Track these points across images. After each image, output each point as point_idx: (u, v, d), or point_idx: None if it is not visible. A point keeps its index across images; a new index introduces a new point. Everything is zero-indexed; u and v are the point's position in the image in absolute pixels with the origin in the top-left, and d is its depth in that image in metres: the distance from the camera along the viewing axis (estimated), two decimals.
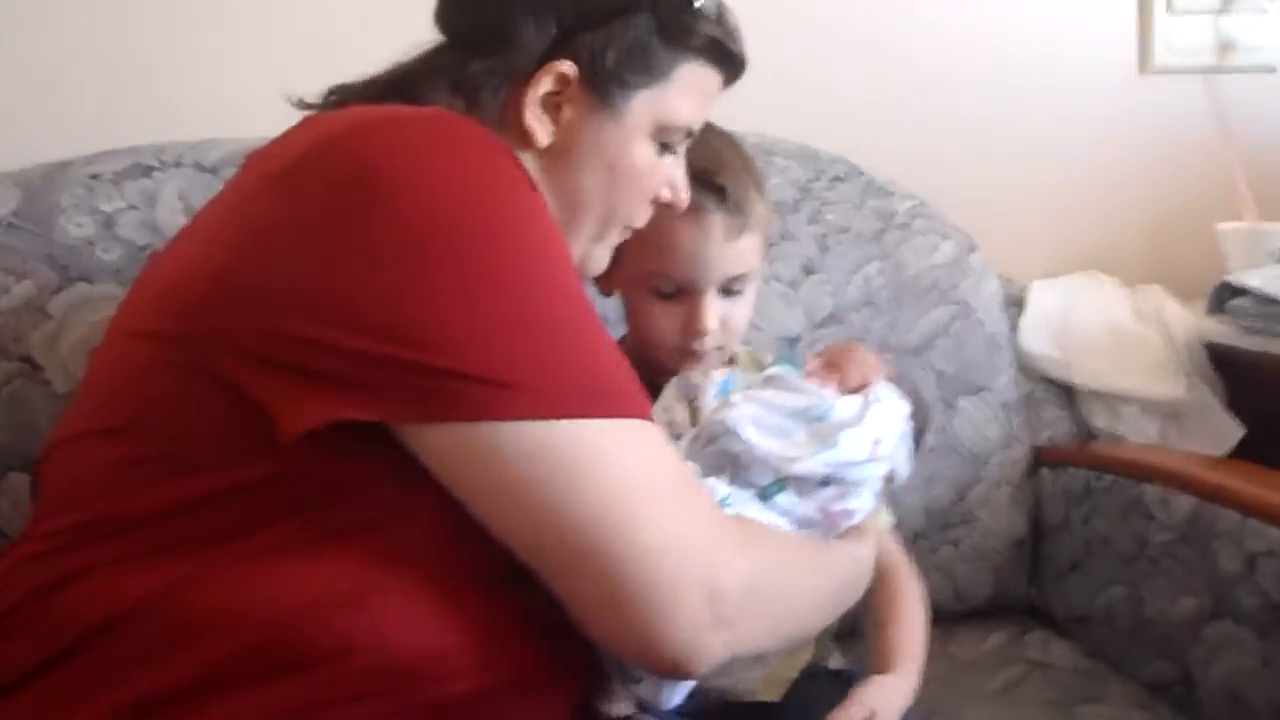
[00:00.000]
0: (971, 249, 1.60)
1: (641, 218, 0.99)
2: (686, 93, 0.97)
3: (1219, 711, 1.27)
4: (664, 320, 1.12)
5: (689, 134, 1.01)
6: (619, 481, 0.77)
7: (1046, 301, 1.65)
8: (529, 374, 0.76)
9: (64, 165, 1.33)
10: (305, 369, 0.75)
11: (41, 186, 1.30)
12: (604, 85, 0.93)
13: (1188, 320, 1.64)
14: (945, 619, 1.52)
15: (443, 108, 0.89)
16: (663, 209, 1.05)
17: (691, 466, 1.02)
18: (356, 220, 0.76)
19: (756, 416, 1.03)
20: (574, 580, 0.79)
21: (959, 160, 1.76)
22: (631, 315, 1.16)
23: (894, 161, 1.64)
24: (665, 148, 0.98)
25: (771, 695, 1.11)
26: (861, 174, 1.59)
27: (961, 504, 1.53)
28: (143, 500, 0.78)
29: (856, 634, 1.35)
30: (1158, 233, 1.86)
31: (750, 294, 1.16)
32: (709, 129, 1.13)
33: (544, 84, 0.92)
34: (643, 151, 0.96)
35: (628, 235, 1.01)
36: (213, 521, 0.77)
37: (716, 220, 1.09)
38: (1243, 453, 1.56)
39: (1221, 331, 1.60)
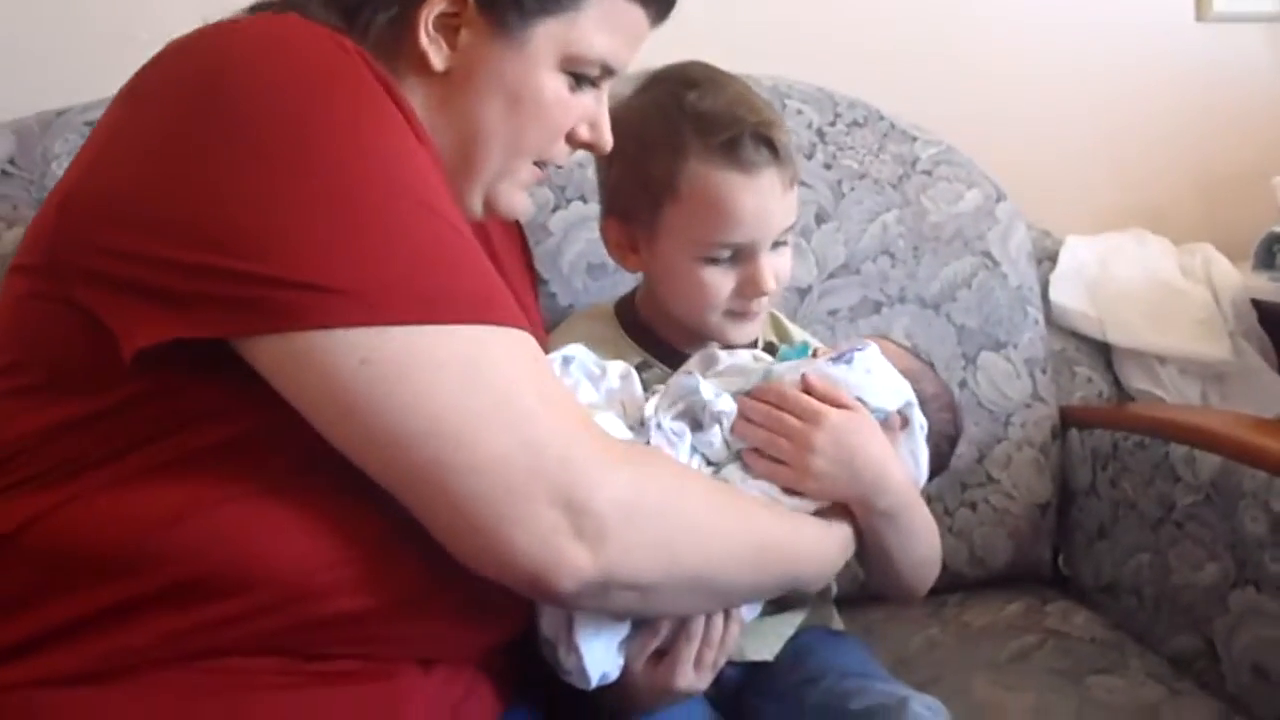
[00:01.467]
0: (999, 198, 1.51)
1: (558, 155, 0.95)
2: (601, 27, 0.92)
3: (1242, 685, 1.19)
4: (718, 285, 1.09)
5: (608, 71, 0.96)
6: (458, 390, 0.74)
7: (1083, 255, 1.56)
8: (361, 279, 0.73)
9: (61, 113, 1.33)
10: (140, 286, 0.73)
11: (38, 133, 1.30)
12: (501, 10, 0.88)
13: (1235, 277, 1.54)
14: (962, 585, 1.46)
15: (298, 17, 0.83)
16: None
17: (664, 430, 0.99)
18: (189, 127, 0.74)
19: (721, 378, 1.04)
20: (417, 495, 0.75)
21: (998, 110, 1.70)
22: (672, 285, 1.12)
23: (929, 111, 1.56)
24: (580, 82, 0.94)
25: (764, 654, 1.08)
26: (882, 118, 1.51)
27: (980, 465, 1.45)
28: (25, 426, 0.77)
29: (860, 600, 1.30)
30: (1211, 189, 1.76)
31: (791, 243, 1.15)
32: (718, 74, 1.12)
33: (438, 5, 0.88)
34: (550, 84, 0.92)
35: (544, 175, 0.97)
36: (85, 446, 0.76)
37: (774, 176, 1.07)
38: None
39: (1270, 288, 1.50)
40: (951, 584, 1.44)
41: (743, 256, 1.08)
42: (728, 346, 1.13)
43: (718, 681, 0.98)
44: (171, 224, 0.73)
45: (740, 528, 0.90)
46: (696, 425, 1.00)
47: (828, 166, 1.47)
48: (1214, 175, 1.76)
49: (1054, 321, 1.54)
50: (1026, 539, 1.47)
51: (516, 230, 1.24)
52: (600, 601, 0.82)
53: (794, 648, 1.09)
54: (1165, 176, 1.76)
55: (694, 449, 0.99)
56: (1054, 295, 1.53)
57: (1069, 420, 1.49)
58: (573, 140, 0.96)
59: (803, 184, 1.45)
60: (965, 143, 1.55)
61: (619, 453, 0.82)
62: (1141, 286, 1.53)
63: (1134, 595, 1.35)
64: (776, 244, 1.10)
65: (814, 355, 1.08)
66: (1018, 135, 1.68)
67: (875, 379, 1.04)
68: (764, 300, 1.11)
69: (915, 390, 1.07)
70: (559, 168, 0.99)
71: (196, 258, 0.72)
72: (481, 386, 0.75)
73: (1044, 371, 1.49)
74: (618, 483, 0.78)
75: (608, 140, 0.97)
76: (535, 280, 1.22)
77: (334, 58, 0.78)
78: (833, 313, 1.44)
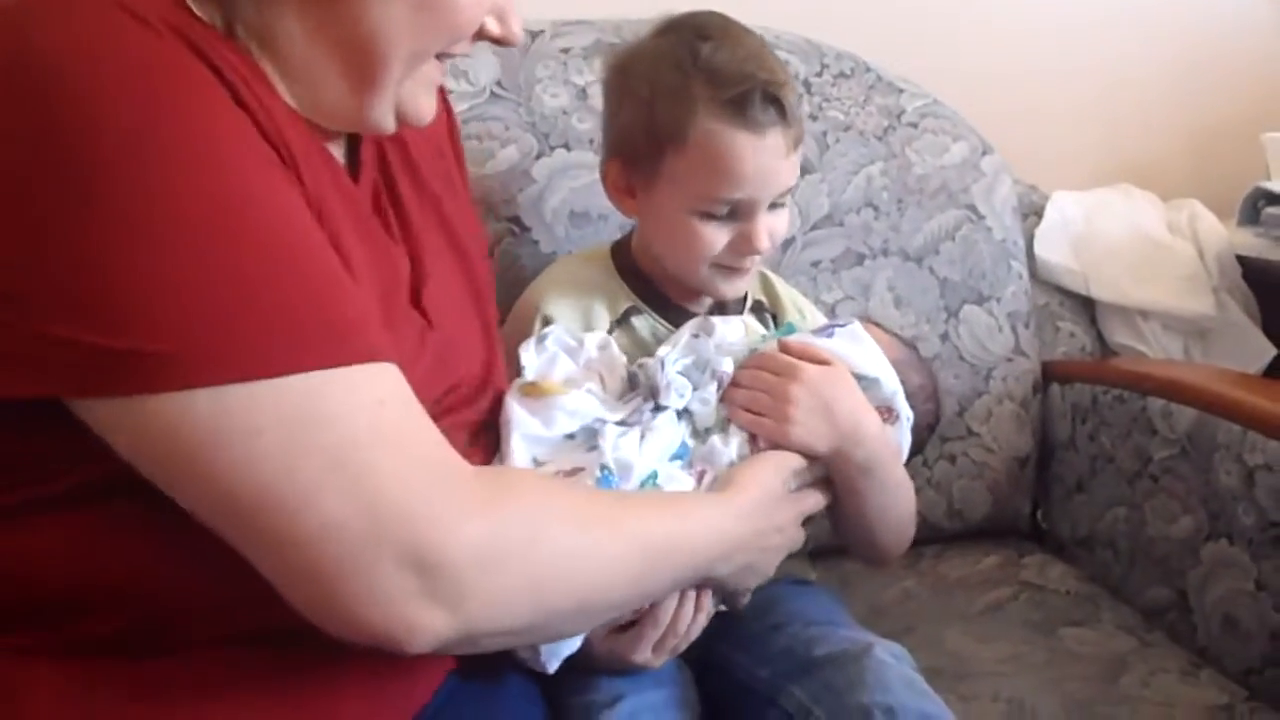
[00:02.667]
0: (985, 151, 1.51)
1: (462, 48, 0.86)
2: None
3: (1213, 636, 1.20)
4: (712, 240, 1.09)
5: None
6: (281, 456, 0.67)
7: (1069, 210, 1.55)
8: (176, 336, 0.66)
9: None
10: None
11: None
12: None
13: (1221, 233, 1.53)
14: (940, 538, 1.47)
15: None
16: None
17: (669, 381, 1.00)
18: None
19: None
20: (255, 558, 0.69)
21: (987, 63, 1.68)
22: (666, 235, 1.12)
23: (916, 64, 1.55)
24: None
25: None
26: (869, 70, 1.50)
27: (960, 419, 1.45)
28: None
29: (836, 552, 1.31)
30: (1200, 145, 1.75)
31: (789, 202, 1.14)
32: (736, 27, 1.11)
33: None
34: None
35: (443, 69, 0.88)
36: None
37: (779, 136, 1.07)
38: (1277, 373, 1.46)
39: (1254, 244, 1.49)
40: (929, 536, 1.45)
41: (740, 214, 1.08)
42: (718, 302, 1.15)
43: None
44: None
45: (619, 542, 0.82)
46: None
47: (813, 118, 1.46)
48: (1203, 131, 1.74)
49: (1038, 276, 1.54)
50: (1005, 492, 1.47)
51: (446, 132, 1.10)
52: (469, 650, 0.76)
53: (762, 597, 1.07)
54: (1154, 132, 1.75)
55: (684, 412, 1.01)
56: (1038, 250, 1.52)
57: (1051, 375, 1.49)
58: (481, 35, 0.86)
59: None
60: (953, 96, 1.54)
61: (474, 494, 0.74)
62: (1126, 242, 1.53)
63: (1110, 548, 1.36)
64: (774, 204, 1.09)
65: None
66: (1007, 89, 1.66)
67: (856, 350, 1.05)
68: (756, 258, 1.11)
69: (902, 381, 1.08)
70: (466, 55, 0.89)
71: (9, 316, 0.66)
72: (309, 449, 0.68)
73: (1026, 326, 1.49)
74: (473, 531, 0.71)
75: (518, 33, 0.88)
76: (467, 184, 1.12)
77: (140, 57, 0.69)
78: (815, 264, 1.44)
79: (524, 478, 0.86)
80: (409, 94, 0.84)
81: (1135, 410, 1.32)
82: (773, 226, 1.10)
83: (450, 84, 1.39)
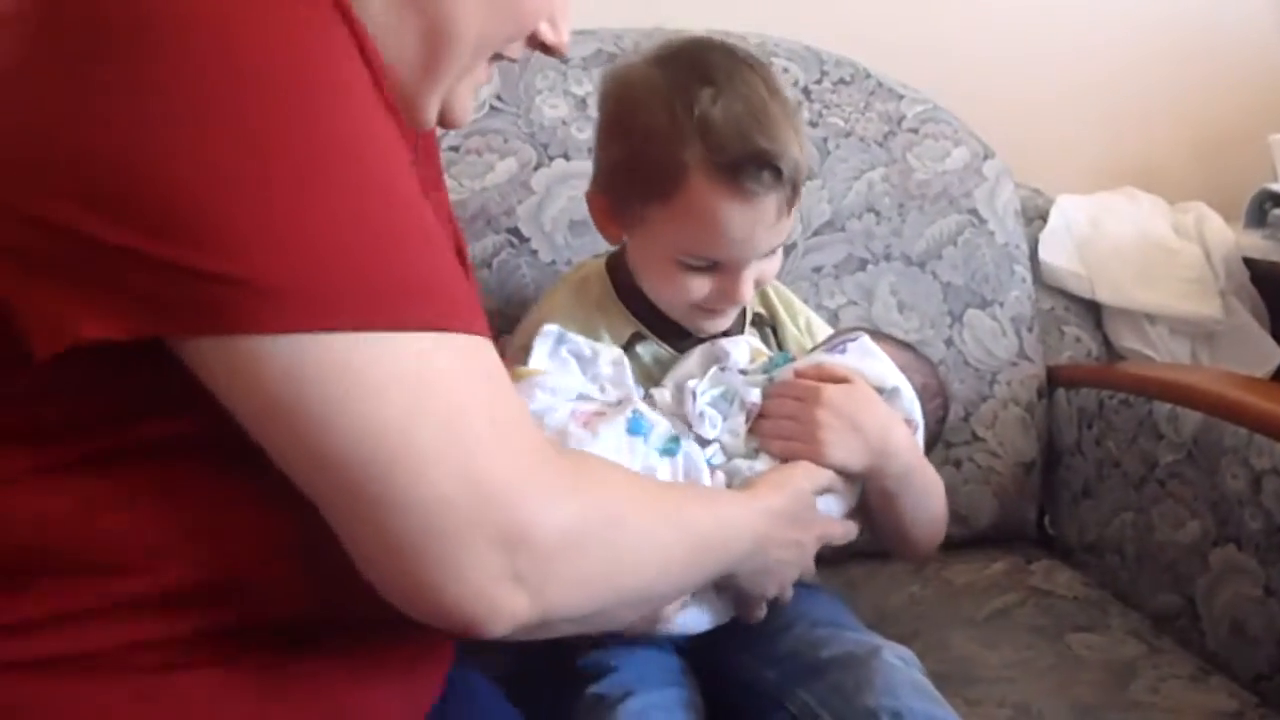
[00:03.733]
0: (987, 156, 1.50)
1: (515, 51, 0.85)
2: None
3: (1222, 642, 1.18)
4: (693, 288, 1.06)
5: None
6: (402, 415, 0.65)
7: (1073, 214, 1.54)
8: (302, 275, 0.63)
9: None
10: (59, 270, 0.63)
11: (518, 70, 1.40)
12: None
13: (1228, 235, 1.52)
14: (946, 544, 1.42)
15: None
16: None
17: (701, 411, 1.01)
18: (116, 66, 0.62)
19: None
20: (343, 521, 0.68)
21: (989, 68, 1.67)
22: (647, 274, 1.10)
23: (917, 69, 1.54)
24: None
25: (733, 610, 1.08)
26: (869, 76, 1.50)
27: (965, 424, 1.44)
28: None
29: (841, 557, 1.30)
30: (1207, 148, 1.73)
31: (781, 248, 1.11)
32: (737, 66, 1.05)
33: None
34: None
35: (491, 73, 0.88)
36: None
37: (771, 203, 1.02)
38: None
39: (1262, 247, 1.48)
40: None
41: (724, 267, 1.05)
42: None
43: None
44: (103, 196, 0.62)
45: (678, 535, 0.83)
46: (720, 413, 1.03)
47: (813, 124, 1.46)
48: (1210, 133, 1.73)
49: (1043, 280, 1.53)
50: (1011, 498, 1.46)
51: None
52: (534, 635, 0.74)
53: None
54: (1160, 135, 1.74)
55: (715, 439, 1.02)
56: (1043, 254, 1.51)
57: (1056, 379, 1.48)
58: (534, 40, 0.86)
59: None
60: (954, 102, 1.53)
61: (568, 478, 0.73)
62: (1132, 245, 1.52)
63: (1117, 554, 1.35)
64: (765, 254, 1.07)
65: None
66: (1009, 94, 1.66)
67: (869, 363, 1.06)
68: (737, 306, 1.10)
69: (909, 382, 1.08)
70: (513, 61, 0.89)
71: (124, 239, 0.62)
72: (429, 413, 0.66)
73: (1031, 330, 1.48)
74: (564, 514, 0.70)
75: (567, 42, 0.87)
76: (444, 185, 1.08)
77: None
78: (817, 270, 1.43)
79: (598, 462, 0.87)
80: (460, 92, 0.84)
81: (1141, 414, 1.31)
82: (761, 274, 1.08)
83: None
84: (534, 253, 1.37)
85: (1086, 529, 1.41)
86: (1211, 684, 1.13)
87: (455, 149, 1.37)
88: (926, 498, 1.08)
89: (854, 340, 1.07)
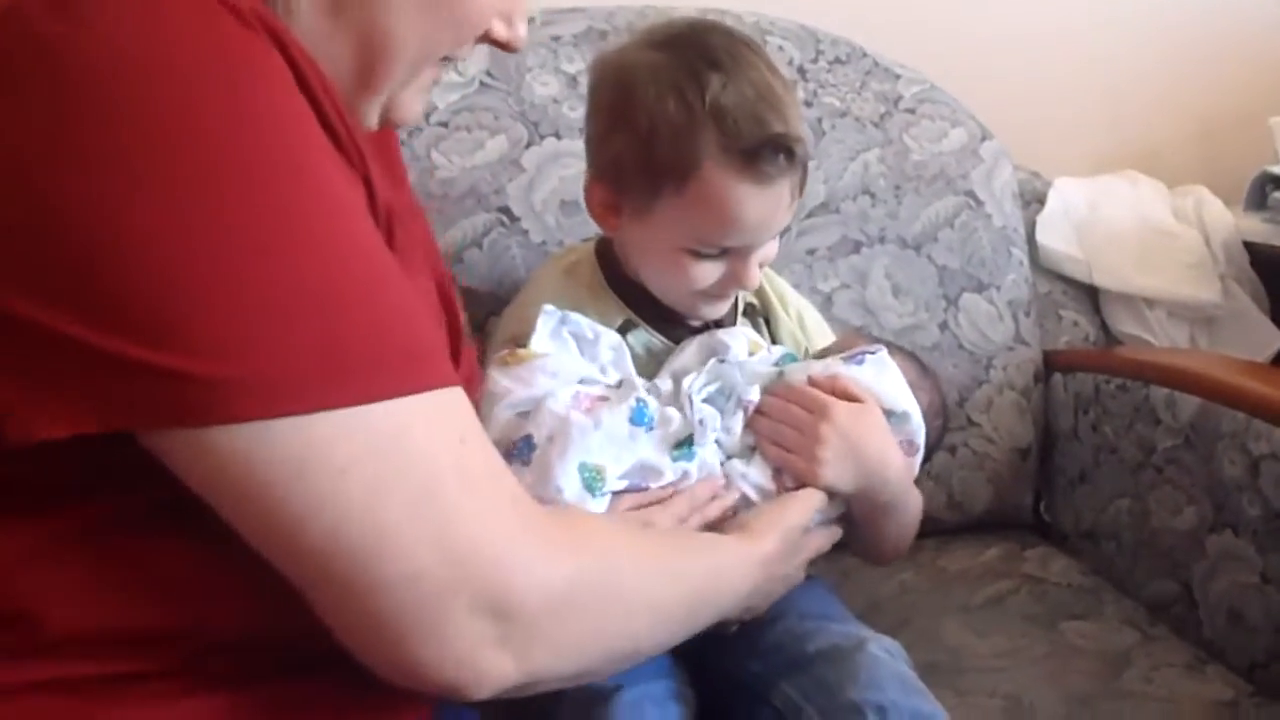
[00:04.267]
0: (984, 137, 1.48)
1: (465, 53, 0.81)
2: None
3: (1218, 630, 1.16)
4: (701, 276, 1.04)
5: None
6: (365, 495, 0.62)
7: (1071, 197, 1.52)
8: (250, 364, 0.59)
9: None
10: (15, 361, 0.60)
11: None
12: None
13: (1228, 219, 1.50)
14: (940, 530, 1.44)
15: None
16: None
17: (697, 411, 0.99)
18: (35, 132, 0.58)
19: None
20: (322, 602, 0.65)
21: (988, 49, 1.65)
22: (651, 263, 1.08)
23: (915, 49, 1.52)
24: None
25: None
26: (865, 55, 1.48)
27: (961, 408, 1.42)
28: None
29: (834, 547, 1.28)
30: (1208, 131, 1.72)
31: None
32: (739, 47, 1.03)
33: None
34: None
35: (440, 74, 0.83)
36: None
37: (785, 186, 1.01)
38: None
39: (1262, 230, 1.46)
40: (929, 529, 1.40)
41: (733, 253, 1.04)
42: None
43: None
44: (38, 283, 0.58)
45: (672, 592, 0.81)
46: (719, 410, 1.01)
47: (808, 104, 1.43)
48: (1211, 116, 1.71)
49: (1040, 264, 1.51)
50: (1006, 484, 1.44)
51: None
52: (521, 694, 0.72)
53: None
54: (1161, 118, 1.72)
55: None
56: (1040, 237, 1.49)
57: (1052, 364, 1.46)
58: (487, 38, 0.81)
59: None
60: (952, 82, 1.51)
61: (552, 537, 0.70)
62: (1130, 229, 1.50)
63: (1113, 541, 1.33)
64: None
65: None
66: (1008, 76, 1.64)
67: (886, 381, 1.05)
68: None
69: (918, 404, 1.08)
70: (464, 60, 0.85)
71: (69, 329, 0.58)
72: (396, 487, 0.63)
73: (1027, 314, 1.46)
74: (552, 577, 0.68)
75: (522, 37, 0.83)
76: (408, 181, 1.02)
77: (215, 32, 0.62)
78: (811, 252, 1.41)
79: (587, 517, 0.84)
80: (406, 99, 0.80)
81: (1138, 399, 1.29)
82: (764, 257, 1.06)
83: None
84: (525, 233, 1.35)
85: (1082, 515, 1.39)
86: (1207, 673, 1.11)
87: (445, 125, 1.35)
88: (904, 522, 1.09)
89: (874, 353, 1.06)
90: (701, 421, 0.99)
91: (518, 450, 0.93)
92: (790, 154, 0.99)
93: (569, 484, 0.91)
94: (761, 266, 1.08)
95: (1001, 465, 1.44)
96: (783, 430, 1.00)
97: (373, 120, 0.79)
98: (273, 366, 0.60)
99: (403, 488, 0.63)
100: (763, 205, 1.00)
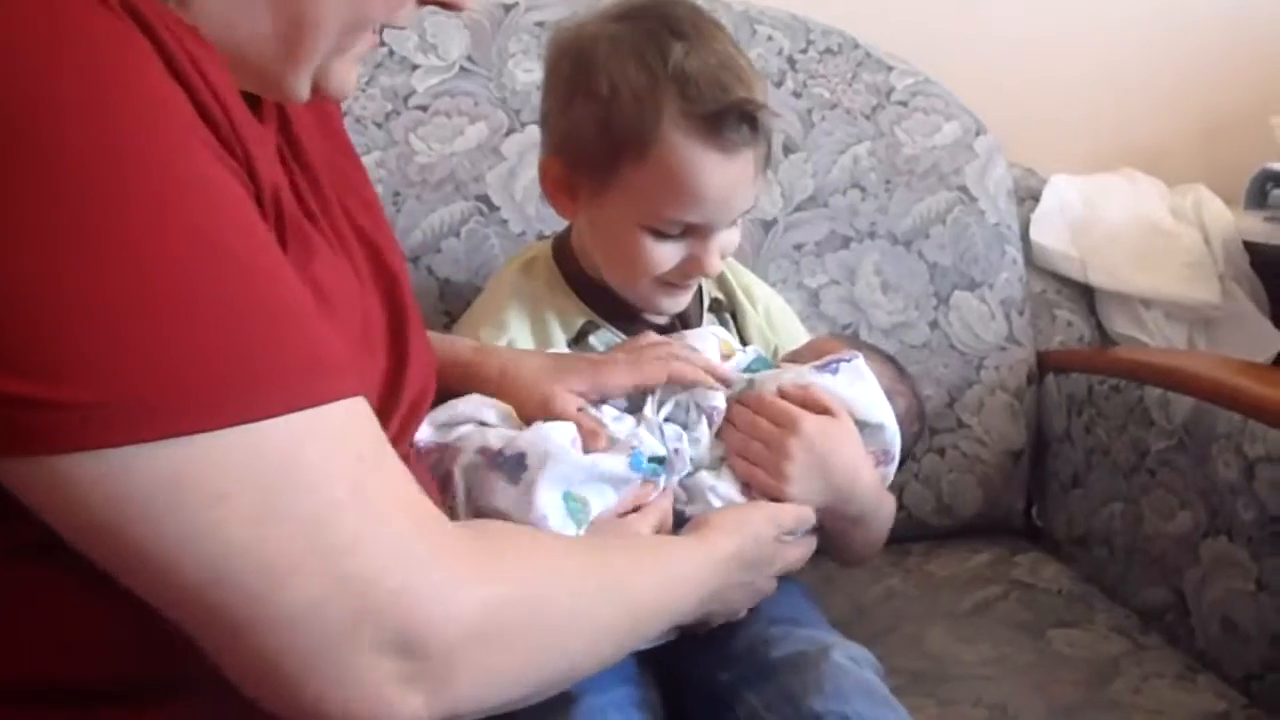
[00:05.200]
0: (979, 131, 1.44)
1: (403, 18, 0.74)
2: None
3: (1211, 638, 1.12)
4: (660, 258, 1.01)
5: None
6: (250, 524, 0.56)
7: (1067, 194, 1.48)
8: (111, 385, 0.53)
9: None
10: None
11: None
12: None
13: (1228, 218, 1.46)
14: (929, 535, 1.40)
15: None
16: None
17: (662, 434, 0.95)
18: None
19: None
20: (208, 642, 0.59)
21: (985, 42, 1.61)
22: (609, 246, 1.05)
23: (906, 41, 1.48)
24: None
25: None
26: (857, 46, 1.44)
27: (950, 409, 1.39)
28: None
29: (819, 550, 1.24)
30: (1210, 130, 1.67)
31: (742, 222, 1.07)
32: (703, 19, 1.01)
33: None
34: None
35: (375, 43, 0.77)
36: None
37: (749, 159, 0.99)
38: None
39: (1262, 229, 1.42)
40: (917, 533, 1.38)
41: (693, 233, 1.00)
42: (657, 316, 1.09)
43: None
44: None
45: (613, 609, 0.75)
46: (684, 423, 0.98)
47: (797, 95, 1.40)
48: (1214, 114, 1.67)
49: (1034, 262, 1.47)
50: (998, 487, 1.40)
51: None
52: None
53: None
54: (1161, 115, 1.67)
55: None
56: (1034, 235, 1.45)
57: (1046, 365, 1.42)
58: (424, 1, 0.75)
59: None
60: (947, 76, 1.47)
61: (466, 559, 0.64)
62: (1127, 227, 1.46)
63: (1106, 546, 1.29)
64: (732, 221, 1.03)
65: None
66: (1005, 70, 1.60)
67: (861, 390, 1.01)
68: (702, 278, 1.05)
69: (892, 406, 1.05)
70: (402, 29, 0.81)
71: None
72: (281, 516, 0.56)
73: (1021, 313, 1.42)
74: (468, 606, 0.62)
75: None
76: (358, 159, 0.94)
77: (63, 18, 0.56)
78: (798, 246, 1.37)
79: (513, 534, 0.77)
80: (336, 69, 0.73)
81: (1132, 400, 1.25)
82: (725, 243, 1.03)
83: (419, 58, 1.34)
84: (504, 222, 1.32)
85: (1075, 520, 1.35)
86: (1198, 683, 1.07)
87: (424, 109, 1.32)
88: (874, 529, 1.06)
89: (848, 361, 1.02)
90: (677, 451, 0.95)
91: (505, 463, 0.89)
92: (754, 123, 0.97)
93: (553, 513, 0.87)
94: (724, 257, 1.05)
95: (992, 468, 1.40)
96: (750, 444, 0.97)
97: (303, 93, 0.73)
98: (138, 388, 0.54)
99: (291, 515, 0.57)
100: (725, 177, 0.97)
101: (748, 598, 0.94)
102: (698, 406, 0.97)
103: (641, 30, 0.99)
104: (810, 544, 1.00)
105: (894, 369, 1.13)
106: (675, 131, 0.96)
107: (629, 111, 0.97)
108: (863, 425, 1.00)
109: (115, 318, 0.54)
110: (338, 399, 0.60)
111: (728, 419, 0.98)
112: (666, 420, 0.97)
